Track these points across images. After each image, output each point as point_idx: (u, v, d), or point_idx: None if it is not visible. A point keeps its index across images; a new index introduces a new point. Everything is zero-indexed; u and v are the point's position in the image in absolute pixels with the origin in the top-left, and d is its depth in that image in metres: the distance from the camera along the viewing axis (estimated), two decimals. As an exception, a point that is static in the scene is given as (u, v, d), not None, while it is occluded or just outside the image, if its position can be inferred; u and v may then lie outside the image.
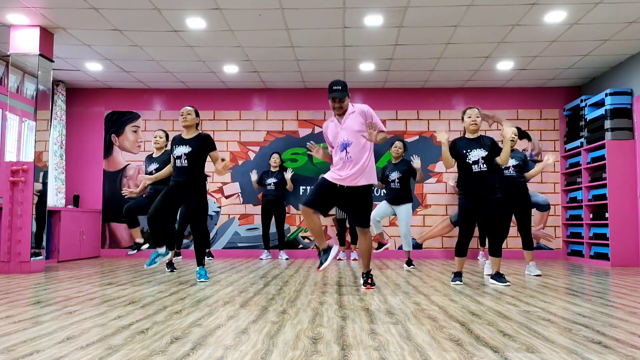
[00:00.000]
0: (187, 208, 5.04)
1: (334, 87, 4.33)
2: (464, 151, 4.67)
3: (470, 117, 4.72)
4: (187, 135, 5.04)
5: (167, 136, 5.97)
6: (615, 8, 5.56)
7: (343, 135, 4.33)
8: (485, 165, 4.63)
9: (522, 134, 8.56)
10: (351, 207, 4.38)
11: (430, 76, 8.06)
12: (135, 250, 5.89)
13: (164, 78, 8.22)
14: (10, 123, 7.22)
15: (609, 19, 5.85)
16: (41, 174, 6.14)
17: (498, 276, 4.81)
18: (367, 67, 7.61)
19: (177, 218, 6.19)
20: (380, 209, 6.38)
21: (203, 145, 4.98)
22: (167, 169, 5.57)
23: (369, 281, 4.46)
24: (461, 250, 4.76)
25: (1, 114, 7.03)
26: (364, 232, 4.40)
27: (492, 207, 4.65)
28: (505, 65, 7.54)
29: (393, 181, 6.34)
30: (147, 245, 5.97)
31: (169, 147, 5.76)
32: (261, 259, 7.94)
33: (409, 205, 6.35)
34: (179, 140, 5.03)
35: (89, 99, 8.86)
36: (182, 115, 5.01)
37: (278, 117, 8.75)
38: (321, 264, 4.35)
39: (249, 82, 8.44)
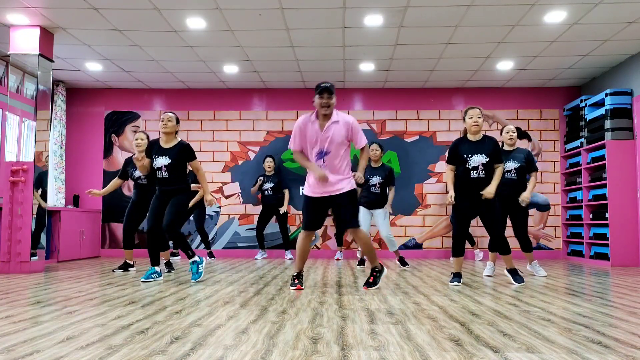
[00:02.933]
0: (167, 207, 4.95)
1: (323, 84, 4.24)
2: (465, 155, 4.59)
3: (471, 117, 4.62)
4: (166, 143, 4.94)
5: (148, 137, 5.84)
6: (615, 8, 5.56)
7: (323, 143, 4.24)
8: (483, 172, 4.57)
9: (522, 134, 8.56)
10: (340, 212, 4.33)
11: (430, 76, 8.06)
12: (122, 270, 5.83)
13: (164, 78, 8.22)
14: (10, 123, 7.22)
15: (609, 19, 5.85)
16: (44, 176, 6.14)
17: (514, 273, 4.80)
18: (367, 67, 7.61)
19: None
20: (365, 220, 6.25)
21: (182, 155, 4.92)
22: (115, 184, 5.96)
23: (371, 280, 4.42)
24: (458, 250, 4.73)
25: (1, 114, 7.03)
26: (356, 232, 4.35)
27: (488, 211, 4.60)
28: (505, 65, 7.54)
29: (374, 185, 6.25)
30: (134, 269, 5.94)
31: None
32: (256, 258, 7.93)
33: (384, 209, 6.33)
34: (158, 150, 4.92)
35: (89, 99, 8.86)
36: (162, 121, 4.91)
37: (278, 117, 8.75)
38: (298, 283, 4.41)
39: (249, 82, 8.44)
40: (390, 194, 6.49)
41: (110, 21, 5.95)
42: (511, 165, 5.33)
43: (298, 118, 4.38)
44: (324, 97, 4.22)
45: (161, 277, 5.07)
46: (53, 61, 6.50)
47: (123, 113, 8.84)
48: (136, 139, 5.82)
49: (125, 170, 5.91)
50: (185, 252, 4.96)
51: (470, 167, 4.57)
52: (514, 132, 5.45)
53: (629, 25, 6.03)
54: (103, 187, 8.64)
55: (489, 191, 4.53)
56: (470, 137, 4.68)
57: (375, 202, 6.28)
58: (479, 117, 4.61)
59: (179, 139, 5.02)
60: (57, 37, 6.43)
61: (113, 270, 5.86)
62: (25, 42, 6.12)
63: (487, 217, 4.64)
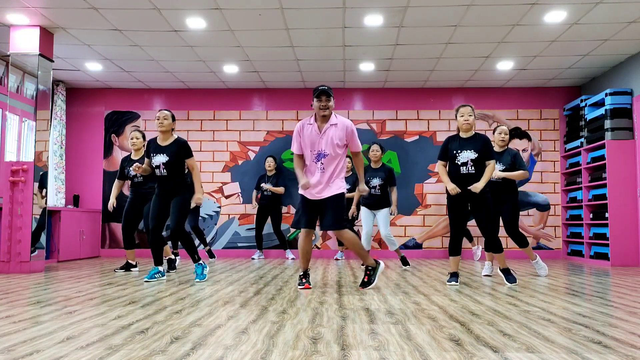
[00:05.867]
0: (170, 208, 4.97)
1: (320, 87, 4.31)
2: (454, 151, 4.64)
3: (462, 115, 4.65)
4: (164, 141, 4.94)
5: (143, 136, 5.90)
6: (615, 8, 5.56)
7: (321, 145, 4.29)
8: (473, 168, 4.58)
9: (522, 134, 8.56)
10: (323, 214, 4.36)
11: (430, 76, 8.06)
12: (123, 270, 5.80)
13: (164, 78, 8.22)
14: (10, 123, 7.22)
15: (609, 19, 5.85)
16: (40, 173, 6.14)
17: (506, 273, 4.80)
18: (367, 67, 7.61)
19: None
20: (368, 221, 6.25)
21: (180, 152, 4.91)
22: (117, 187, 5.91)
23: (365, 280, 4.45)
24: (455, 249, 4.73)
25: (1, 114, 7.03)
26: (340, 233, 4.35)
27: (481, 205, 4.61)
28: (505, 65, 7.54)
29: (374, 187, 6.17)
30: (137, 269, 5.93)
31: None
32: (253, 258, 7.91)
33: (387, 210, 6.28)
34: (155, 147, 4.93)
35: (89, 99, 8.86)
36: (157, 119, 4.91)
37: (278, 117, 8.75)
38: (306, 282, 4.43)
39: (249, 82, 8.44)
40: (394, 194, 6.42)
41: (110, 21, 5.95)
42: (498, 167, 5.23)
43: (298, 122, 4.42)
44: (322, 99, 4.28)
45: (164, 277, 5.09)
46: (53, 61, 6.50)
47: (123, 113, 8.84)
48: (131, 139, 5.83)
49: (123, 169, 5.89)
50: (192, 256, 5.01)
51: (460, 163, 4.60)
52: (506, 135, 5.32)
53: (629, 25, 6.03)
54: (103, 187, 8.67)
55: (476, 186, 4.50)
56: (461, 134, 4.72)
57: (376, 203, 6.24)
58: (469, 115, 4.64)
59: (176, 136, 5.02)
60: (57, 37, 6.43)
61: (114, 270, 5.86)
62: (25, 42, 6.12)
63: (479, 216, 4.65)
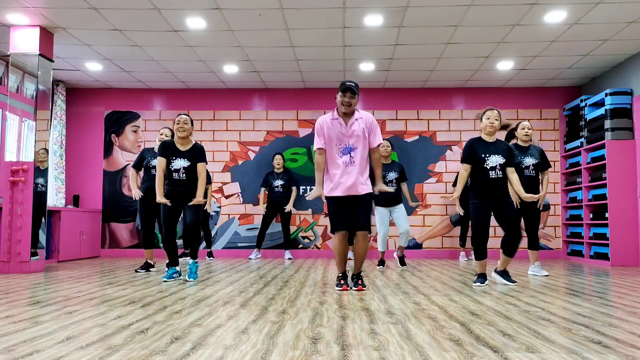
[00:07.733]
0: (186, 207, 4.99)
1: (347, 82, 4.32)
2: (483, 155, 4.57)
3: (489, 118, 4.60)
4: (183, 146, 4.99)
5: (172, 135, 5.88)
6: (615, 8, 5.56)
7: (349, 140, 4.32)
8: (501, 172, 4.57)
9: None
10: (355, 212, 4.35)
11: (430, 76, 8.06)
12: (144, 271, 5.74)
13: (164, 78, 8.22)
14: (10, 123, 7.22)
15: (609, 19, 5.85)
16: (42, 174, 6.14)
17: (504, 274, 4.79)
18: (367, 67, 7.61)
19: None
20: (385, 220, 6.27)
21: (197, 155, 5.01)
22: (134, 177, 5.97)
23: (360, 282, 4.40)
24: (481, 252, 4.64)
25: (1, 114, 7.03)
26: (365, 235, 4.37)
27: (507, 209, 4.58)
28: (505, 65, 7.54)
29: (390, 181, 6.28)
30: (154, 269, 5.89)
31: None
32: (250, 258, 7.88)
33: (402, 205, 6.37)
34: (174, 151, 4.95)
35: (89, 99, 8.86)
36: (178, 124, 4.92)
37: (278, 117, 8.75)
38: (344, 284, 4.37)
39: (249, 82, 8.44)
40: (405, 189, 6.52)
41: (110, 21, 5.95)
42: (529, 161, 5.36)
43: (318, 118, 4.47)
44: (347, 95, 4.30)
45: (182, 277, 5.07)
46: (53, 61, 6.50)
47: (123, 113, 8.84)
48: (161, 134, 5.80)
49: (142, 159, 5.85)
50: (195, 253, 5.01)
51: (489, 167, 4.56)
52: (530, 129, 5.47)
53: (629, 25, 6.03)
54: (103, 187, 8.67)
55: (539, 196, 5.01)
56: (484, 137, 4.67)
57: (394, 198, 6.27)
58: (496, 119, 4.60)
59: (194, 141, 5.09)
60: (57, 37, 6.43)
61: (136, 271, 5.78)
62: (25, 42, 6.12)
63: (508, 220, 4.58)
